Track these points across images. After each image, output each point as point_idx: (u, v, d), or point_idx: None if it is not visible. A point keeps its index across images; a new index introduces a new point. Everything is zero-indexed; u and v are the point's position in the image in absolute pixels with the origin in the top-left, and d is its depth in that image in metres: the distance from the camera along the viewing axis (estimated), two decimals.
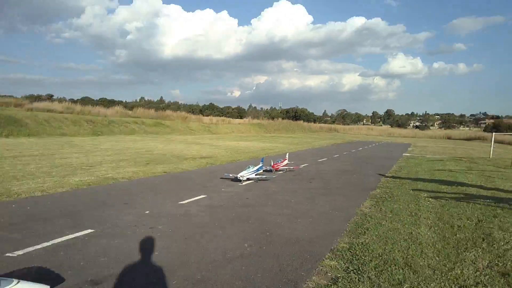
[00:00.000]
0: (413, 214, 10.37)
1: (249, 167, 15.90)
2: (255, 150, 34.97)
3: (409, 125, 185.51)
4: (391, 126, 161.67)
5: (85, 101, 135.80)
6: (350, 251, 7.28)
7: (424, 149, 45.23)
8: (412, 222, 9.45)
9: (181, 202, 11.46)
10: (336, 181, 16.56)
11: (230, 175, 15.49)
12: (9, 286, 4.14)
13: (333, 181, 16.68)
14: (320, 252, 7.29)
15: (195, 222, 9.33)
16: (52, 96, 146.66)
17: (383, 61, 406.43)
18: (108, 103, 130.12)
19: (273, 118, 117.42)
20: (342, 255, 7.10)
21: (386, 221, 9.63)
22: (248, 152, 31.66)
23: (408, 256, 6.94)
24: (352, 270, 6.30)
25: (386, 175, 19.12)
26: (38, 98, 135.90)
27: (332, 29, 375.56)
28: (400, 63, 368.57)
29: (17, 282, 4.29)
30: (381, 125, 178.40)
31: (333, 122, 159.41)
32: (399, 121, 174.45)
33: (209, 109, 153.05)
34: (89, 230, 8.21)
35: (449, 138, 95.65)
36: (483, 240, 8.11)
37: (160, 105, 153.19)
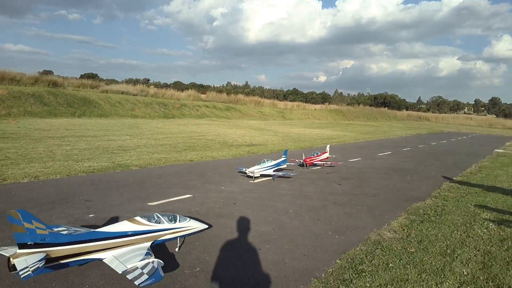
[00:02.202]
0: (449, 251, 6.70)
1: (263, 161, 12.99)
2: (317, 138, 31.56)
3: None
4: (497, 116, 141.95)
5: (177, 85, 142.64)
6: None
7: None
8: (438, 270, 5.90)
9: (149, 204, 9.24)
10: (375, 184, 12.89)
11: (244, 169, 12.79)
12: (186, 221, 6.38)
13: (371, 183, 13.03)
14: None
15: None
16: (149, 80, 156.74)
17: (486, 44, 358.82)
18: (198, 87, 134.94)
19: (358, 104, 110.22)
20: None
21: (399, 261, 6.23)
22: (305, 141, 28.48)
23: None
24: None
25: (454, 178, 14.71)
26: (136, 81, 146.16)
27: (426, 9, 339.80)
28: (506, 46, 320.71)
29: (190, 220, 6.49)
30: (485, 115, 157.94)
31: (428, 110, 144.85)
32: (506, 111, 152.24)
33: (293, 94, 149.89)
34: None
35: None
36: None
37: (245, 90, 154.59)
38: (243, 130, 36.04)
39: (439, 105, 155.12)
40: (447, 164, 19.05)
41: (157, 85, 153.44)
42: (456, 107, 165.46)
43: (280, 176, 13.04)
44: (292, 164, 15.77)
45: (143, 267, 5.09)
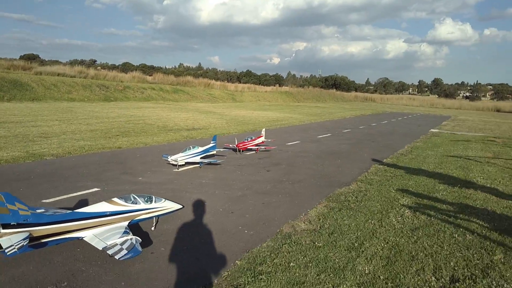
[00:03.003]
0: (356, 245, 6.29)
1: (189, 148, 12.13)
2: (263, 121, 31.06)
3: (459, 95, 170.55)
4: (439, 96, 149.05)
5: (125, 66, 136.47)
6: None
7: (461, 123, 38.94)
8: (340, 269, 5.43)
9: (44, 201, 8.14)
10: (304, 170, 12.47)
11: (169, 157, 11.84)
12: (161, 201, 6.74)
13: (301, 169, 12.61)
14: None
15: None
16: (95, 61, 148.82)
17: (430, 27, 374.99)
18: (148, 69, 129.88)
19: (309, 86, 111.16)
20: None
21: (303, 258, 5.71)
22: (250, 124, 27.88)
23: None
24: None
25: (384, 160, 14.69)
26: (81, 63, 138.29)
27: None
28: (448, 29, 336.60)
29: (165, 200, 6.86)
30: (428, 95, 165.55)
31: (375, 91, 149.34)
32: (447, 91, 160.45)
33: (246, 76, 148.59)
34: None
35: (498, 110, 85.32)
36: None
37: (198, 72, 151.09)
38: (188, 113, 34.82)
39: (385, 86, 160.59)
40: (381, 145, 19.18)
41: (104, 67, 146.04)
42: (401, 88, 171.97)
43: (207, 164, 12.29)
44: (226, 149, 15.07)
45: (122, 243, 5.41)
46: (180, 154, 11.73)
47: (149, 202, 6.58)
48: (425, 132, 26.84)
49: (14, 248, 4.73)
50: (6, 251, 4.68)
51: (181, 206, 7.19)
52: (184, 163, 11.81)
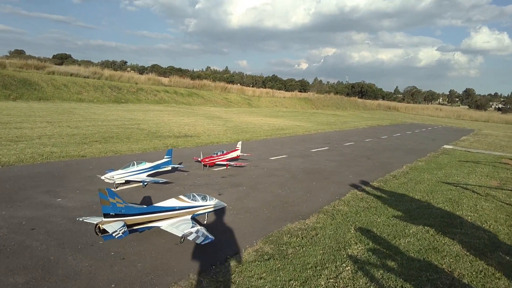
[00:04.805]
0: None
1: (133, 164, 10.42)
2: (266, 129, 29.21)
3: (490, 106, 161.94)
4: (469, 107, 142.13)
5: (155, 68, 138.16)
6: None
7: (482, 139, 35.52)
8: None
9: None
10: (264, 195, 10.50)
11: (106, 176, 10.07)
12: (212, 200, 7.82)
13: (260, 193, 10.64)
14: None
15: None
16: (126, 62, 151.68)
17: (465, 35, 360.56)
18: (175, 71, 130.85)
19: (336, 93, 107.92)
20: None
21: None
22: (249, 132, 26.11)
23: None
24: None
25: (370, 183, 12.56)
26: (113, 63, 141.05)
27: None
28: (484, 38, 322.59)
29: (214, 199, 7.98)
30: (459, 105, 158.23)
31: (403, 100, 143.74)
32: (478, 102, 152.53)
33: (272, 81, 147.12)
34: None
35: None
36: None
37: (225, 75, 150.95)
38: (192, 118, 33.47)
39: (413, 95, 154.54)
40: (376, 163, 16.89)
41: (134, 68, 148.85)
42: (430, 97, 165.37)
43: (155, 182, 10.58)
44: (189, 165, 13.36)
45: (196, 232, 6.41)
46: (120, 171, 10.10)
47: (204, 200, 7.64)
48: (436, 148, 24.10)
49: (119, 232, 5.81)
50: (113, 234, 5.76)
51: (225, 205, 8.26)
52: (123, 181, 10.18)
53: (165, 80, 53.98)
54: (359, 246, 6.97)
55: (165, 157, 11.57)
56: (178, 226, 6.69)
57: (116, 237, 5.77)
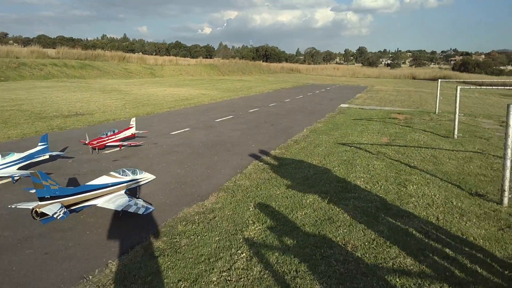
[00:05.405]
0: None
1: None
2: (169, 100, 27.67)
3: (381, 63, 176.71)
4: (362, 65, 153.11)
5: (41, 39, 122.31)
6: None
7: (374, 95, 38.39)
8: None
9: None
10: (160, 177, 9.64)
11: None
12: (142, 173, 7.89)
13: (157, 173, 9.82)
14: None
15: None
16: (7, 34, 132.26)
17: None
18: (66, 41, 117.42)
19: (236, 58, 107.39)
20: None
21: None
22: (151, 105, 24.44)
23: None
24: None
25: (270, 152, 12.40)
26: None
27: None
28: None
29: (144, 172, 8.10)
30: (354, 64, 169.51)
31: (304, 62, 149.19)
32: (370, 60, 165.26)
33: (176, 48, 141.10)
34: None
35: (414, 78, 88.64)
36: None
37: (123, 43, 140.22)
38: (86, 93, 30.32)
39: (313, 56, 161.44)
40: (279, 129, 16.93)
41: (17, 40, 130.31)
42: (328, 57, 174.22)
43: (25, 176, 9.00)
44: (76, 150, 11.79)
45: (135, 204, 6.71)
46: None
47: (135, 174, 7.65)
48: (334, 108, 25.21)
49: (60, 213, 6.04)
50: (54, 216, 5.96)
51: (154, 177, 8.26)
52: None
53: (52, 51, 47.88)
54: (257, 226, 6.63)
55: (40, 144, 9.90)
56: (114, 201, 6.80)
57: (58, 218, 5.96)
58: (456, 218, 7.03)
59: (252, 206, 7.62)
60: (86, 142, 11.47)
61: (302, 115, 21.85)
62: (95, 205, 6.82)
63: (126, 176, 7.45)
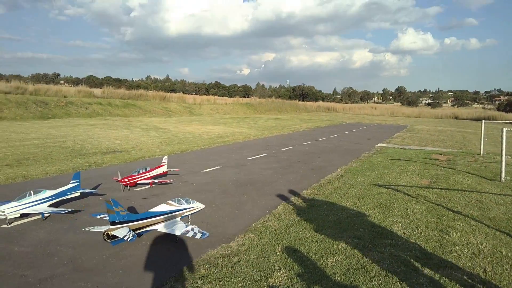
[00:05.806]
0: None
1: (29, 194, 8.88)
2: (205, 138, 28.08)
3: (421, 102, 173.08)
4: (402, 104, 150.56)
5: (90, 79, 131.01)
6: None
7: (414, 135, 37.07)
8: None
9: None
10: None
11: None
12: (194, 202, 8.66)
13: None
14: None
15: None
16: (59, 75, 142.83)
17: (393, 37, 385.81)
18: (112, 81, 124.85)
19: (272, 97, 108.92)
20: None
21: None
22: (186, 143, 24.83)
23: None
24: None
25: (302, 193, 11.90)
26: (44, 77, 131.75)
27: (340, 4, 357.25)
28: (410, 39, 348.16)
29: (195, 201, 8.84)
30: (392, 103, 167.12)
31: (341, 101, 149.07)
32: (409, 99, 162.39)
33: (215, 88, 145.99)
34: None
35: (456, 118, 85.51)
36: None
37: (166, 84, 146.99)
38: (127, 131, 31.47)
39: (350, 95, 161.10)
40: (312, 168, 16.45)
41: (68, 80, 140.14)
42: (366, 96, 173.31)
43: (57, 213, 9.09)
44: (109, 187, 11.94)
45: (192, 229, 7.25)
46: (12, 204, 8.54)
47: (188, 203, 8.34)
48: (371, 148, 24.43)
49: (129, 236, 6.73)
50: (124, 238, 6.67)
51: (204, 206, 8.95)
52: (18, 215, 8.64)
53: (97, 91, 50.79)
54: (283, 273, 6.17)
55: (72, 181, 10.08)
56: (172, 227, 7.41)
57: (128, 240, 6.68)
58: (507, 270, 6.24)
59: (280, 249, 7.18)
60: (118, 179, 11.60)
61: (337, 154, 21.29)
62: (156, 229, 7.46)
63: (181, 204, 8.15)
